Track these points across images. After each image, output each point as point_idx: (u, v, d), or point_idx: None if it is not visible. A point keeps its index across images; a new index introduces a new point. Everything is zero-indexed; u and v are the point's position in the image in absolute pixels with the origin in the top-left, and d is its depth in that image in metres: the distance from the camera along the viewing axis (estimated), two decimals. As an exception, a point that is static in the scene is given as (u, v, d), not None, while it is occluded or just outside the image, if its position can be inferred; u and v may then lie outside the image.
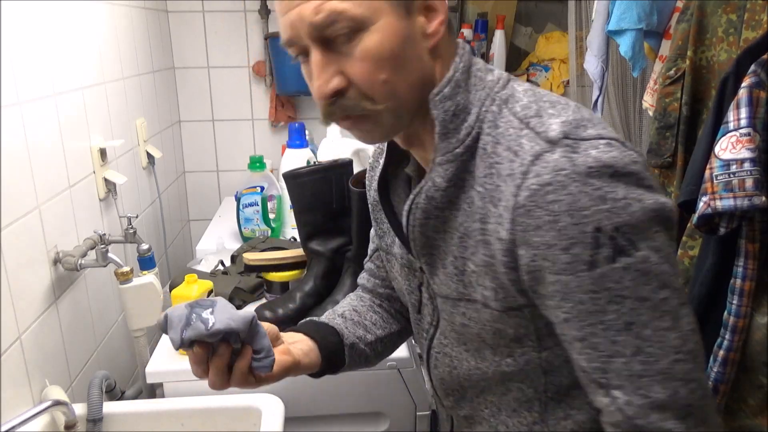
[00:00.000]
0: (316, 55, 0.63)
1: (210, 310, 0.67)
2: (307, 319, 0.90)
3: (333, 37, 0.61)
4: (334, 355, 0.85)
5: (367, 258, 0.99)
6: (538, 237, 0.60)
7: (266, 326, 0.74)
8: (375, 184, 0.83)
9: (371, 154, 0.90)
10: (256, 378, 0.73)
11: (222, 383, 0.71)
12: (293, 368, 0.78)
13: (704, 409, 0.61)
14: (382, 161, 0.82)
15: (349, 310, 0.93)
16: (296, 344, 0.81)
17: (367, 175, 0.91)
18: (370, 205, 0.89)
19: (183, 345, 0.67)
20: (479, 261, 0.67)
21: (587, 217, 0.57)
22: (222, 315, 0.67)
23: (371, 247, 0.98)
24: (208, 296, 1.23)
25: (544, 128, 0.62)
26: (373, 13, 0.61)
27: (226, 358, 0.70)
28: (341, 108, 0.65)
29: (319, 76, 0.63)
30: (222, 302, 0.69)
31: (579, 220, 0.58)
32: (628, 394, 0.61)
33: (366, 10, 0.61)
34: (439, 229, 0.72)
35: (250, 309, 0.73)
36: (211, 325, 0.66)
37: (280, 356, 0.75)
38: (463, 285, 0.71)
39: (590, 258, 0.58)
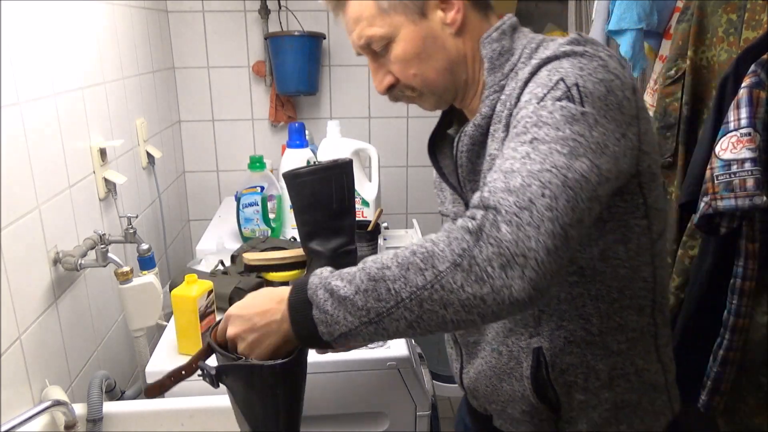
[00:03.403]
0: (369, 63, 0.85)
1: None
2: None
3: (376, 50, 0.82)
4: None
5: None
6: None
7: None
8: (426, 146, 0.95)
9: None
10: None
11: None
12: None
13: (542, 213, 0.62)
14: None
15: None
16: None
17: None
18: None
19: None
20: None
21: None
22: None
23: None
24: (207, 296, 1.23)
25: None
26: (394, 28, 0.80)
27: None
28: (394, 96, 0.87)
29: (374, 77, 0.86)
30: None
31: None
32: (494, 181, 0.64)
33: (387, 28, 0.80)
34: (480, 155, 0.82)
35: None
36: None
37: None
38: None
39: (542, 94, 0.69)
